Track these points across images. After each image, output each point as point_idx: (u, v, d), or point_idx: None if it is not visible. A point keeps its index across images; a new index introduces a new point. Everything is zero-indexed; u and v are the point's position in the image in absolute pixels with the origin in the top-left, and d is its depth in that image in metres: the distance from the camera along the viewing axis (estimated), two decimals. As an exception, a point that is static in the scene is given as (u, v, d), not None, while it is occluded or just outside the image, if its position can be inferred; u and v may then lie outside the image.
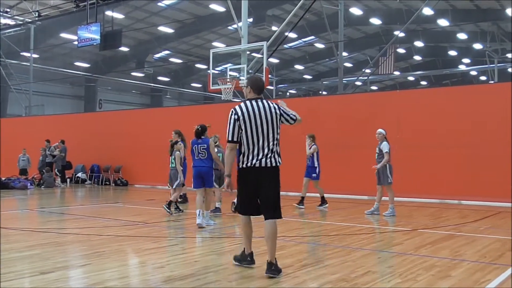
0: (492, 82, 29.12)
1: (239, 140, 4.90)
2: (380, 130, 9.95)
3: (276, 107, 5.01)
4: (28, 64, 27.52)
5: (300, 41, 33.06)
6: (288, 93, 43.62)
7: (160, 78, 39.00)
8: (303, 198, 11.04)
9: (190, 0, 26.48)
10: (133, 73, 36.89)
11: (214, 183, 9.67)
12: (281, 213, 5.09)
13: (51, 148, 18.34)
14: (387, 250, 6.18)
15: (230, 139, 4.90)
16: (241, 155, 4.94)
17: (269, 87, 35.37)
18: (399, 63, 35.34)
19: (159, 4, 26.86)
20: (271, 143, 4.90)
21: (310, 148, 11.07)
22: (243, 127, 4.87)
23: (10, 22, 25.20)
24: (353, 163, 13.81)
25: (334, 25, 22.49)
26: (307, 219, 9.50)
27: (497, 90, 13.14)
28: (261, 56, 14.67)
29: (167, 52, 35.51)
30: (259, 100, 4.97)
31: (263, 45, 14.48)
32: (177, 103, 41.03)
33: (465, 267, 5.24)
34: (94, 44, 18.91)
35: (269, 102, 5.03)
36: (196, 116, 17.26)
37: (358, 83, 27.50)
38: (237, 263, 5.30)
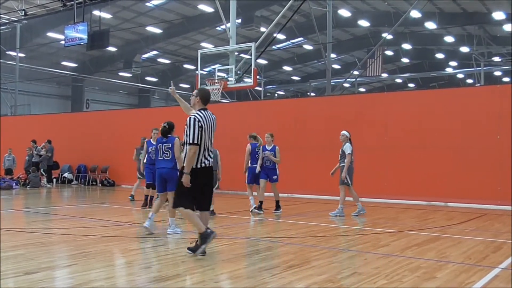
0: (478, 85, 29.46)
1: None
2: (343, 132, 10.06)
3: (215, 117, 5.87)
4: (14, 63, 27.21)
5: (288, 42, 33.15)
6: (276, 94, 43.69)
7: (148, 78, 38.82)
8: (261, 202, 10.31)
9: (178, 0, 26.39)
10: (121, 73, 36.65)
11: None
12: None
13: (38, 148, 18.16)
14: (373, 252, 6.21)
15: (196, 142, 5.56)
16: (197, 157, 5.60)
17: (257, 88, 35.37)
18: (387, 65, 35.61)
19: (147, 4, 26.74)
20: (212, 146, 5.85)
21: (271, 146, 10.39)
22: (203, 133, 5.60)
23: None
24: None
25: (322, 26, 22.59)
26: (294, 220, 9.50)
27: (484, 93, 13.28)
28: (250, 57, 14.65)
29: (155, 52, 35.37)
30: (207, 111, 5.79)
31: (251, 46, 14.46)
32: (165, 104, 40.87)
33: (451, 268, 5.29)
34: (81, 43, 18.75)
35: (211, 112, 5.84)
36: (184, 116, 17.22)
37: (346, 84, 27.60)
38: (201, 248, 5.64)
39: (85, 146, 19.38)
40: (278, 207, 10.46)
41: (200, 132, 5.56)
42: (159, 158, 7.73)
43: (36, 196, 14.82)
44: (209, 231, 5.67)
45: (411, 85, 40.81)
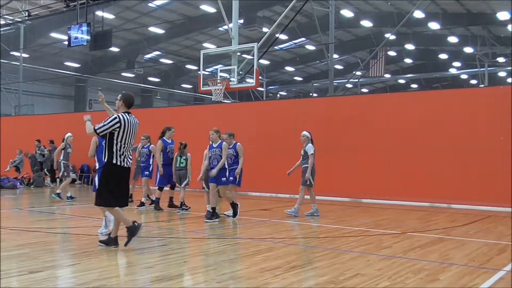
0: (482, 86, 29.40)
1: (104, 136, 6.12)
2: (304, 132, 10.08)
3: (137, 121, 6.32)
4: (18, 63, 27.29)
5: (290, 42, 33.16)
6: (278, 95, 43.69)
7: (150, 78, 38.88)
8: (214, 209, 9.09)
9: (180, 0, 26.42)
10: (123, 74, 36.72)
11: (205, 185, 9.55)
12: None
13: (41, 148, 18.22)
14: (376, 253, 6.20)
15: (99, 133, 6.06)
16: (115, 153, 6.06)
17: (259, 88, 35.41)
18: (389, 66, 35.57)
19: (150, 4, 26.78)
20: (131, 149, 6.32)
21: (217, 144, 9.20)
22: (121, 133, 6.05)
23: (0, 21, 24.96)
24: (342, 165, 13.85)
25: (325, 27, 22.59)
26: (297, 221, 9.51)
27: (487, 94, 13.24)
28: (252, 57, 14.67)
29: (157, 52, 35.42)
30: (130, 114, 6.27)
31: (253, 47, 14.48)
32: (167, 104, 40.92)
33: (454, 271, 5.28)
34: (85, 44, 18.80)
35: (134, 116, 6.32)
36: (186, 117, 17.24)
37: (349, 85, 27.59)
38: (103, 245, 6.22)
39: (88, 146, 19.34)
40: (215, 215, 9.05)
41: (113, 129, 6.03)
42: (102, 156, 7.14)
43: (40, 195, 14.86)
44: (136, 223, 6.21)
45: (414, 85, 40.76)
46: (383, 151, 13.35)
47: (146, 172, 11.31)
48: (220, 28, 28.97)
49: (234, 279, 4.89)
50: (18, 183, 17.04)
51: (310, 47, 33.61)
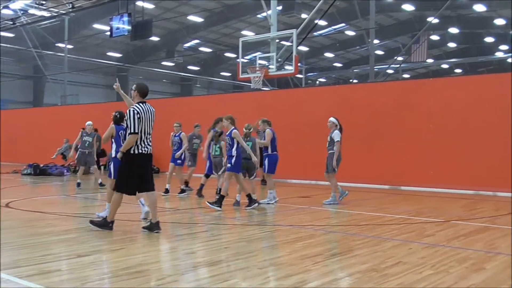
0: (531, 69, 28.09)
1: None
2: (331, 118, 9.83)
3: (153, 110, 6.50)
4: (63, 54, 28.18)
5: (330, 28, 32.63)
6: (317, 82, 43.25)
7: (189, 67, 39.29)
8: (223, 197, 8.78)
9: (218, -11, 26.50)
10: (163, 63, 37.27)
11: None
12: None
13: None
14: (418, 241, 6.10)
15: (136, 131, 6.19)
16: (136, 144, 6.22)
17: (298, 75, 35.12)
18: (432, 51, 34.48)
19: (188, -7, 27.00)
20: (151, 136, 6.45)
21: (228, 131, 8.94)
22: (141, 123, 6.21)
23: (46, 14, 25.77)
24: (382, 152, 13.63)
25: (365, 12, 22.08)
26: (336, 208, 9.45)
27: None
28: (291, 44, 14.56)
29: (196, 41, 35.72)
30: (146, 104, 6.46)
31: (292, 33, 14.36)
32: (206, 92, 41.30)
33: (500, 260, 5.13)
34: (126, 34, 19.17)
35: (150, 105, 6.51)
36: (225, 104, 17.35)
37: (390, 71, 26.97)
38: (96, 227, 6.45)
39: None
40: (218, 202, 8.70)
41: (139, 122, 6.20)
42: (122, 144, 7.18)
43: (85, 182, 15.34)
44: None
45: (458, 70, 39.43)
46: (425, 137, 13.03)
47: (179, 161, 11.46)
48: (259, 15, 28.86)
49: (275, 265, 4.93)
50: (65, 170, 17.71)
51: (350, 33, 33.01)
